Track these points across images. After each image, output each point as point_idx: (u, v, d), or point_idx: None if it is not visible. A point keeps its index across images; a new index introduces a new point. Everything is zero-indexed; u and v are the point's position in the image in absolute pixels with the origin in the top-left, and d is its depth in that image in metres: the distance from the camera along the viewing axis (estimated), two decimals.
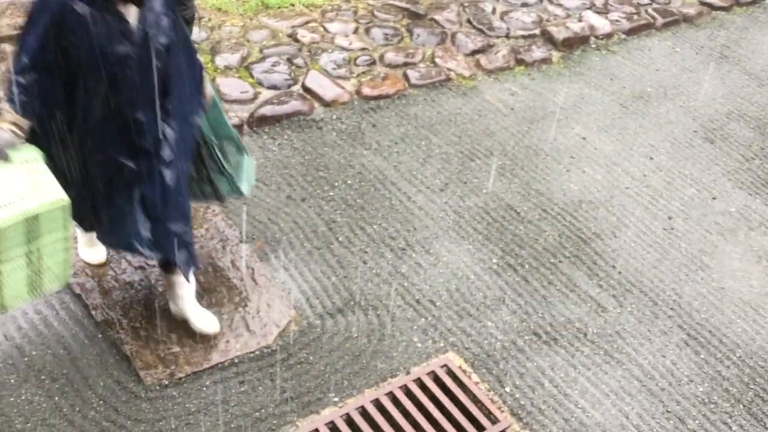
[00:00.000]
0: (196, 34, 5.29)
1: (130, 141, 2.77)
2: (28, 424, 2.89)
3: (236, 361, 3.24)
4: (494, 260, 3.91)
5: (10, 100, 2.61)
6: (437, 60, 5.44)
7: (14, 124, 2.59)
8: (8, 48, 4.89)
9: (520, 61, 5.60)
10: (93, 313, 3.33)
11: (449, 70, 5.37)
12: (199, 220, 3.87)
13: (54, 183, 2.61)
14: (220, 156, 3.25)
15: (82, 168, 2.83)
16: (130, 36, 2.62)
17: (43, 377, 3.06)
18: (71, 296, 3.41)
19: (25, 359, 3.12)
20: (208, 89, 3.11)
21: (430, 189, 4.33)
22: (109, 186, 2.85)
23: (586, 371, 3.42)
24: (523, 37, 5.89)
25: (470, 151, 4.64)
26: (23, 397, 2.97)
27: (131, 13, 2.62)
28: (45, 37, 2.55)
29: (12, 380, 3.03)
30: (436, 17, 5.90)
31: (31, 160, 2.61)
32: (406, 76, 5.25)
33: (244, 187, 3.43)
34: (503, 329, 3.55)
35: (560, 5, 6.33)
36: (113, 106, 2.69)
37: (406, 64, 5.36)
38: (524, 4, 6.30)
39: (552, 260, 3.95)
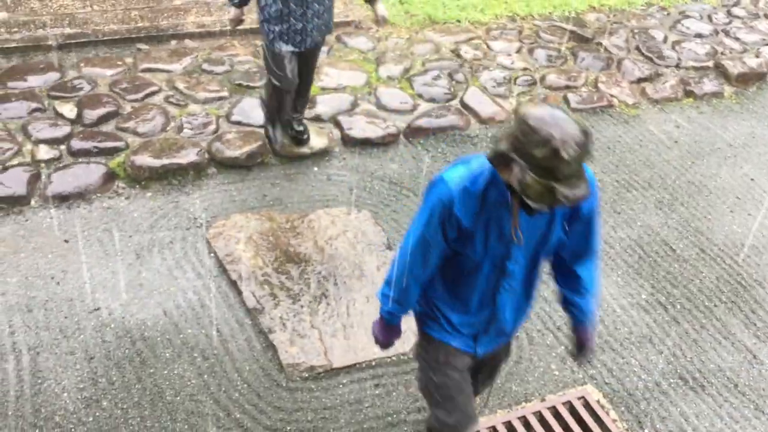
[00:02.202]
0: (363, 43, 5.47)
1: None
2: (177, 397, 3.07)
3: (373, 364, 3.31)
4: (643, 296, 3.77)
5: None
6: (600, 85, 5.32)
7: None
8: (191, 44, 5.25)
9: (688, 93, 5.38)
10: (245, 300, 3.50)
11: (612, 96, 5.24)
12: (351, 222, 3.98)
13: None
14: None
15: None
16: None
17: (195, 355, 3.25)
18: (227, 282, 3.60)
19: (181, 336, 3.32)
20: None
21: None
22: None
23: (733, 423, 3.22)
24: (695, 68, 5.66)
25: (627, 181, 4.50)
26: (175, 372, 3.17)
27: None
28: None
29: (167, 354, 3.24)
30: (603, 42, 5.77)
31: None
32: (566, 99, 5.17)
33: None
34: (647, 369, 3.41)
35: (737, 39, 6.03)
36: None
37: (567, 87, 5.29)
38: (698, 35, 6.05)
39: (707, 303, 3.76)
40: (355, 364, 3.28)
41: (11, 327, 3.26)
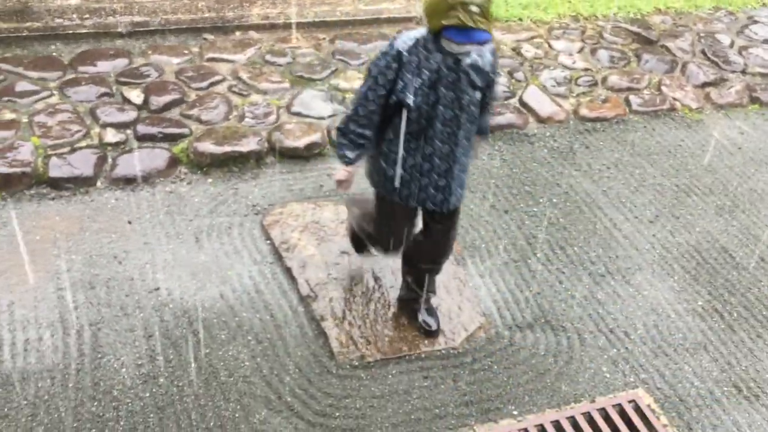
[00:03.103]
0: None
1: None
2: (231, 378, 3.15)
3: (422, 356, 3.33)
4: (699, 302, 3.71)
5: None
6: (663, 88, 5.24)
7: None
8: (255, 35, 5.34)
9: (754, 99, 5.26)
10: (299, 287, 3.57)
11: (675, 99, 5.16)
12: None
13: None
14: None
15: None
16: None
17: (249, 338, 3.32)
18: (282, 269, 3.67)
19: (236, 319, 3.40)
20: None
21: (639, 219, 4.19)
22: None
23: None
24: (761, 74, 5.53)
25: (687, 186, 4.43)
26: (230, 353, 3.25)
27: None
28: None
29: (222, 336, 3.32)
30: (668, 45, 5.68)
31: None
32: (627, 101, 5.11)
33: None
34: (701, 375, 3.36)
35: None
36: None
37: (629, 89, 5.22)
38: (766, 41, 5.91)
39: (765, 313, 3.68)
40: (404, 355, 3.32)
41: (75, 303, 3.39)
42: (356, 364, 3.26)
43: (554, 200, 4.26)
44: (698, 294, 3.75)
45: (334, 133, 4.33)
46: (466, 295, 3.63)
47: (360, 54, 5.27)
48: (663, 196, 4.34)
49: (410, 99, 2.83)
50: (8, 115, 4.28)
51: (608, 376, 3.32)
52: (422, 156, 2.96)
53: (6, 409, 2.92)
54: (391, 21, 5.68)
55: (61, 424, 2.89)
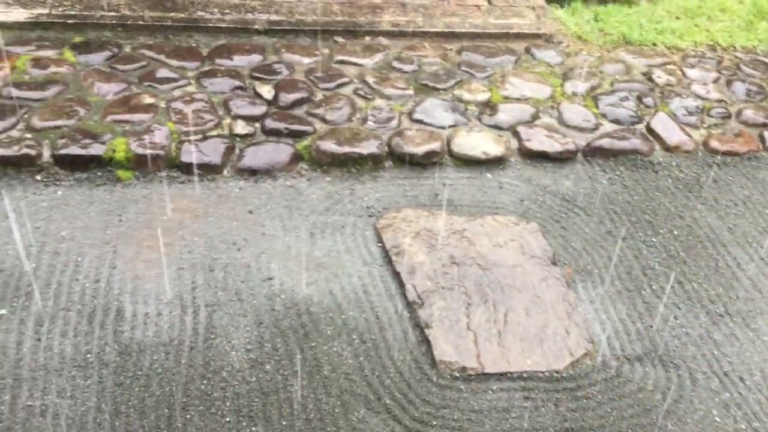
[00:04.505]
0: (552, 57, 5.43)
1: None
2: (333, 374, 3.21)
3: (525, 375, 3.29)
4: None
5: None
6: None
7: None
8: (384, 41, 5.43)
9: None
10: (406, 293, 3.59)
11: None
12: (518, 232, 3.98)
13: None
14: None
15: None
16: None
17: (354, 337, 3.37)
18: (391, 273, 3.71)
19: (342, 317, 3.46)
20: None
21: (765, 261, 3.99)
22: None
23: None
24: None
25: None
26: (334, 349, 3.31)
27: None
28: None
29: (328, 331, 3.39)
30: None
31: None
32: (762, 138, 4.88)
33: None
34: None
35: None
36: None
37: (764, 125, 4.99)
38: None
39: None
40: (506, 373, 3.28)
41: (194, 283, 3.54)
42: (457, 375, 3.25)
43: (675, 232, 4.12)
44: None
45: None
46: (574, 320, 3.56)
47: (486, 67, 5.27)
48: None
49: None
50: (148, 100, 4.53)
51: (718, 420, 3.18)
52: None
53: (122, 377, 3.09)
54: (519, 36, 5.65)
55: (172, 398, 3.03)
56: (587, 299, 3.69)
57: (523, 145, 4.60)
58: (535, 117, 4.84)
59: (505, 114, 4.81)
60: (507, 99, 4.98)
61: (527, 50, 5.53)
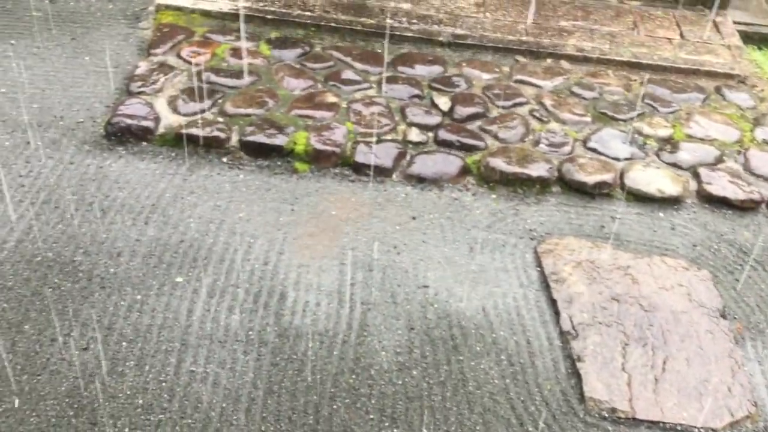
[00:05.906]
0: (744, 100, 5.14)
1: None
2: (478, 391, 3.19)
3: (678, 428, 3.13)
4: None
5: None
6: None
7: None
8: (566, 65, 5.35)
9: None
10: (561, 322, 3.52)
11: None
12: (687, 278, 3.79)
13: None
14: None
15: None
16: None
17: (502, 357, 3.35)
18: (547, 300, 3.65)
19: (493, 335, 3.44)
20: None
21: None
22: None
23: None
24: None
25: None
26: (481, 366, 3.30)
27: None
28: None
29: (477, 348, 3.38)
30: None
31: None
32: None
33: None
34: None
35: None
36: None
37: None
38: None
39: None
40: (659, 422, 3.14)
41: (353, 280, 3.64)
42: (606, 415, 3.15)
43: None
44: None
45: None
46: (738, 379, 3.35)
47: (671, 102, 5.06)
48: None
49: None
50: (331, 99, 4.71)
51: None
52: None
53: (278, 358, 3.23)
54: (710, 75, 5.38)
55: (321, 386, 3.13)
56: (755, 359, 3.46)
57: (703, 187, 4.38)
58: (719, 160, 4.60)
59: (687, 153, 4.60)
60: (690, 138, 4.76)
61: (717, 90, 5.27)
